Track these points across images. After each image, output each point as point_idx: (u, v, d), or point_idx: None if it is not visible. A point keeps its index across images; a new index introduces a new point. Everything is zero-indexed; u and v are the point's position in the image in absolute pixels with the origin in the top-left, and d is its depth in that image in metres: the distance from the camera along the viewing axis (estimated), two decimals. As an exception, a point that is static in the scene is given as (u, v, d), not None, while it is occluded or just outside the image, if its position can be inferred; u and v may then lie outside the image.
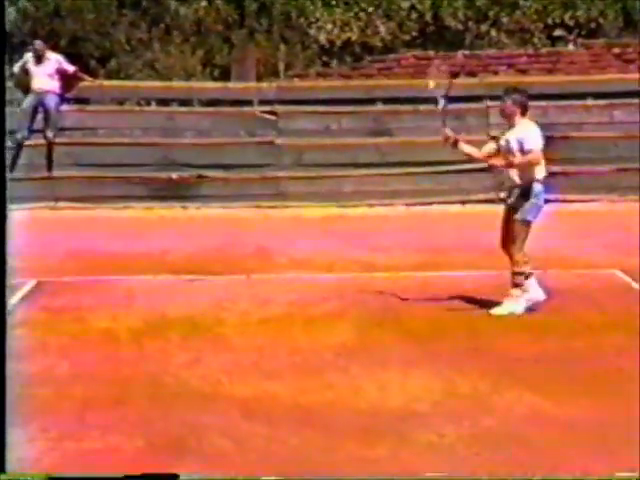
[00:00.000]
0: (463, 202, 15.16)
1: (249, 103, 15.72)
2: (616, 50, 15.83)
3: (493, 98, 15.56)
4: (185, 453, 5.75)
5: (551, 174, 15.12)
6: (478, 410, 6.46)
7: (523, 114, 8.77)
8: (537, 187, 8.74)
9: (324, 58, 16.04)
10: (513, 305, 8.77)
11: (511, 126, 8.79)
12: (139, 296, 9.75)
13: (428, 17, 15.99)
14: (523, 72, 15.84)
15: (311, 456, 5.71)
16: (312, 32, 15.88)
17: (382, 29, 15.92)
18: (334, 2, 16.31)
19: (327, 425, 6.22)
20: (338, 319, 8.77)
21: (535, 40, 15.97)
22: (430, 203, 15.09)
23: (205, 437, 6.00)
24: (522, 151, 8.65)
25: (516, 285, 8.76)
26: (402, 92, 15.53)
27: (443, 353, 7.70)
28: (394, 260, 11.35)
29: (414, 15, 15.99)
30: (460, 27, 15.99)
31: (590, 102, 15.41)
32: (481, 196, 15.27)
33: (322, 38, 15.91)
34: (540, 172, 8.80)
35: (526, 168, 8.73)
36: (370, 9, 16.13)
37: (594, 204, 14.78)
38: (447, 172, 15.40)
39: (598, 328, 8.38)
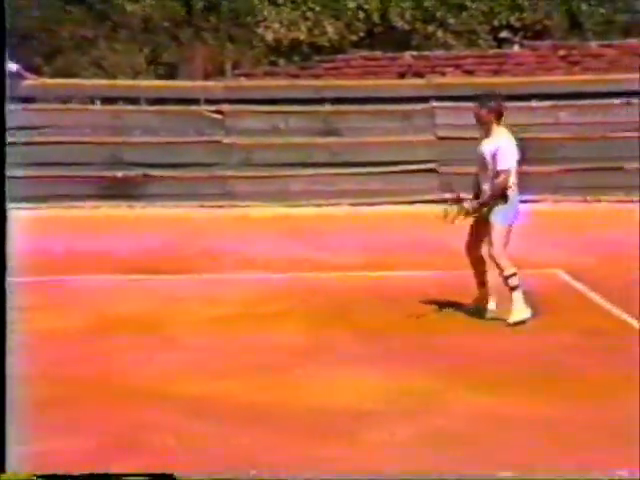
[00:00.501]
0: (411, 202, 15.22)
1: (196, 102, 15.65)
2: (561, 52, 15.98)
3: (440, 99, 15.70)
4: (134, 452, 5.70)
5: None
6: (430, 409, 6.48)
7: (498, 121, 8.53)
8: (511, 193, 8.53)
9: (272, 57, 16.01)
10: (522, 310, 8.51)
11: (487, 134, 8.56)
12: (86, 296, 9.66)
13: (376, 18, 16.03)
14: (470, 73, 15.94)
15: (262, 455, 5.69)
16: (260, 31, 15.85)
17: (330, 29, 15.93)
18: (282, 1, 16.30)
19: (278, 424, 6.20)
20: (288, 318, 8.77)
21: (482, 41, 16.08)
22: (378, 203, 15.14)
23: (155, 436, 5.96)
24: (495, 166, 8.43)
25: (513, 288, 8.54)
26: (350, 92, 15.57)
27: (395, 352, 7.72)
28: (343, 260, 11.37)
29: (361, 15, 16.02)
30: (407, 28, 16.04)
31: (536, 103, 15.54)
32: (429, 196, 15.34)
33: (270, 37, 15.88)
34: (513, 179, 8.57)
35: (497, 184, 8.48)
36: (318, 9, 16.13)
37: (540, 204, 14.90)
38: (395, 172, 15.46)
39: (543, 327, 8.46)
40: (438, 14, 16.11)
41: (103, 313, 8.94)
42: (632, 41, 15.99)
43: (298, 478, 5.33)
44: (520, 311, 8.49)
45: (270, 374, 7.17)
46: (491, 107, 8.49)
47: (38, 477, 4.94)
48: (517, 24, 16.19)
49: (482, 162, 8.57)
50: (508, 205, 8.46)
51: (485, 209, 8.52)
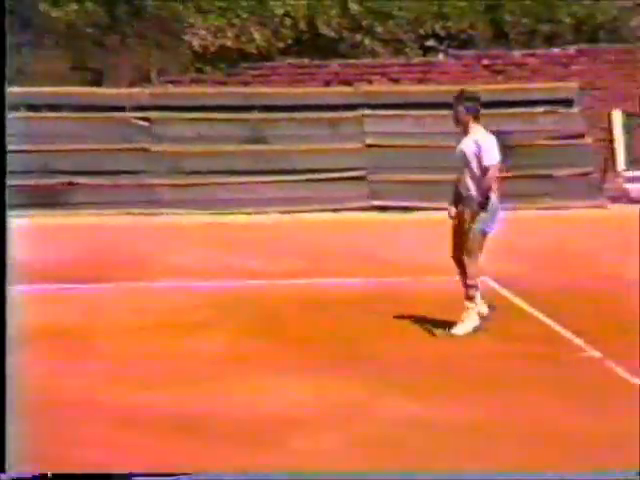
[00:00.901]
0: (340, 210, 15.25)
1: (122, 109, 15.51)
2: (485, 61, 16.15)
3: (367, 106, 15.75)
4: (57, 464, 5.61)
5: (422, 182, 15.52)
6: (358, 416, 6.48)
7: (476, 119, 8.47)
8: (493, 197, 8.47)
9: (198, 64, 15.92)
10: (471, 321, 8.47)
11: (465, 133, 8.49)
12: (8, 305, 9.48)
13: (303, 25, 16.02)
14: (396, 81, 16.03)
15: (190, 465, 5.63)
16: (186, 38, 15.76)
17: (257, 36, 15.89)
18: (208, 8, 16.21)
19: (204, 433, 6.16)
20: (216, 327, 8.71)
21: (408, 50, 16.17)
22: (307, 211, 15.13)
23: (78, 447, 5.87)
24: (480, 163, 8.37)
25: (470, 298, 8.51)
26: (278, 100, 15.55)
27: (321, 360, 7.72)
28: (272, 268, 11.33)
29: (289, 22, 16.01)
30: (334, 35, 16.07)
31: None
32: (358, 204, 15.39)
33: (196, 44, 15.79)
34: (492, 185, 8.51)
35: (485, 181, 8.40)
36: (245, 15, 16.09)
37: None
38: (322, 180, 15.47)
39: (469, 334, 8.51)
40: (365, 22, 16.16)
41: (26, 322, 8.79)
42: (555, 50, 16.21)
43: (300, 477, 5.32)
44: (468, 324, 8.43)
45: (198, 383, 7.12)
46: (469, 107, 8.43)
47: (38, 477, 4.91)
48: (442, 33, 16.31)
49: (465, 161, 8.47)
50: (489, 210, 8.41)
51: (469, 214, 8.45)
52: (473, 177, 8.48)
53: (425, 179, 15.47)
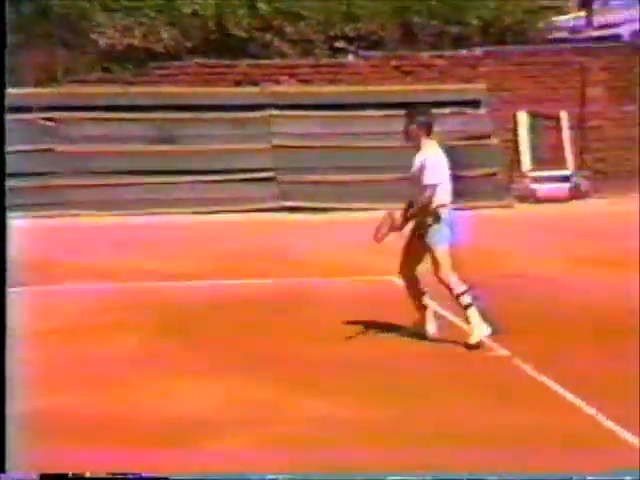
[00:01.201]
0: (249, 210, 15.19)
1: (28, 109, 15.23)
2: (394, 62, 16.25)
3: (276, 107, 15.73)
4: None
5: (332, 183, 15.57)
6: (269, 416, 6.46)
7: (428, 135, 8.27)
8: (443, 212, 8.20)
9: (105, 64, 15.72)
10: (480, 328, 8.16)
11: (417, 148, 8.28)
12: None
13: (212, 25, 15.93)
14: (306, 82, 16.04)
15: (103, 467, 5.54)
16: (93, 37, 15.54)
17: (165, 35, 15.75)
18: (116, 7, 16.02)
19: (117, 436, 6.07)
20: (124, 329, 8.60)
21: (317, 51, 16.18)
22: (216, 211, 15.05)
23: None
24: (422, 180, 8.16)
25: (467, 307, 8.18)
26: (186, 100, 15.44)
27: (234, 360, 7.67)
28: (180, 268, 11.25)
29: (197, 22, 15.90)
30: (244, 35, 16.01)
31: (370, 112, 15.74)
32: (267, 204, 15.36)
33: (103, 43, 15.58)
34: (445, 197, 8.26)
35: (429, 201, 8.15)
36: (153, 14, 15.93)
37: (375, 212, 15.07)
38: (232, 180, 15.41)
39: (378, 334, 8.54)
40: (274, 23, 16.14)
41: None
42: (462, 52, 16.38)
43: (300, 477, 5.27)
44: (478, 328, 8.15)
45: (107, 386, 7.02)
46: (420, 122, 8.24)
47: (38, 477, 4.85)
48: (352, 34, 16.36)
49: (415, 177, 8.28)
50: (442, 224, 8.17)
51: (422, 230, 8.23)
52: (419, 195, 8.28)
53: (335, 180, 15.52)
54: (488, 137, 15.95)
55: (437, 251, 8.18)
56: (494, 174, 15.80)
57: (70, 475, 5.11)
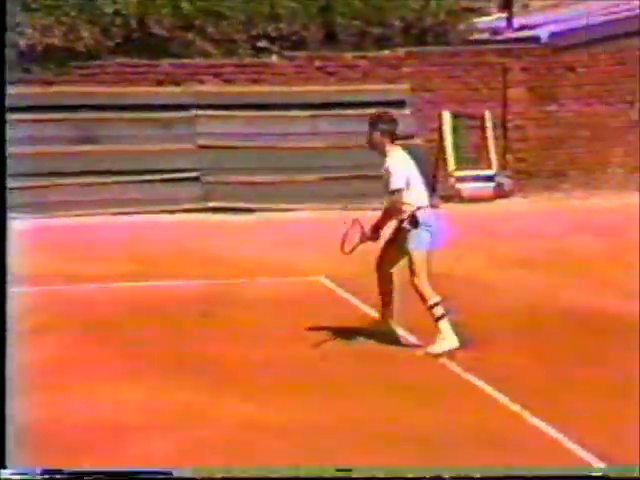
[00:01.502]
0: (173, 211, 15.06)
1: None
2: (318, 62, 16.24)
3: (200, 107, 15.61)
4: None
5: (257, 184, 15.51)
6: (192, 421, 6.39)
7: (392, 142, 8.19)
8: (421, 215, 8.10)
9: (25, 64, 15.45)
10: (450, 340, 8.05)
11: (383, 155, 8.21)
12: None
13: (133, 23, 15.75)
14: (229, 82, 15.95)
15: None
16: (12, 37, 15.27)
17: (85, 34, 15.53)
18: (35, 6, 15.75)
19: (38, 441, 5.95)
20: (46, 332, 8.46)
21: (240, 50, 16.10)
22: (140, 212, 14.88)
23: None
24: (389, 185, 8.10)
25: (438, 318, 8.08)
26: (108, 100, 15.25)
27: (156, 365, 7.58)
28: (103, 270, 11.09)
29: (119, 21, 15.70)
30: (166, 35, 15.86)
31: (295, 112, 15.71)
32: (192, 205, 15.24)
33: (22, 43, 15.32)
34: (420, 200, 8.17)
35: (396, 207, 8.12)
36: (74, 13, 15.70)
37: (301, 213, 15.06)
38: (156, 181, 15.26)
39: (303, 334, 8.51)
40: (197, 22, 16.01)
41: None
42: (385, 52, 16.43)
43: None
44: (449, 341, 8.04)
45: (29, 391, 6.88)
46: (383, 129, 8.14)
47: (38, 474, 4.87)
48: (275, 34, 16.30)
49: (384, 184, 8.24)
50: (420, 229, 8.07)
51: (400, 235, 8.14)
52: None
53: (260, 180, 15.45)
54: (412, 137, 16.01)
55: (414, 257, 8.06)
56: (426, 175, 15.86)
57: (70, 470, 5.08)
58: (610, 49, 16.67)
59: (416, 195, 8.17)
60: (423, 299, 8.12)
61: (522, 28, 17.82)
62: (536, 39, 16.80)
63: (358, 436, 6.15)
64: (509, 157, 16.55)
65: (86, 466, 5.59)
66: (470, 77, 16.51)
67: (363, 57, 16.40)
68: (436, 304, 8.12)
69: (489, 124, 16.31)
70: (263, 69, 16.04)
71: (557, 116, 16.66)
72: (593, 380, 7.29)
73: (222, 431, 6.21)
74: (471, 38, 17.40)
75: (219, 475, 5.27)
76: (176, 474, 5.05)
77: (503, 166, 16.36)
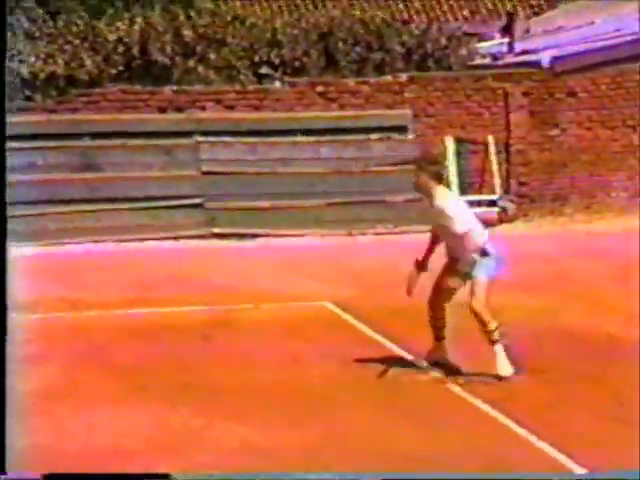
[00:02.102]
0: (177, 238, 15.06)
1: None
2: (319, 88, 16.28)
3: (202, 134, 15.64)
4: None
5: (260, 209, 15.52)
6: (191, 445, 6.36)
7: (439, 183, 8.06)
8: (488, 247, 8.04)
9: (27, 92, 15.50)
10: (504, 367, 8.00)
11: (429, 198, 8.04)
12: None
13: (135, 51, 15.80)
14: (231, 108, 15.98)
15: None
16: (14, 65, 15.33)
17: (88, 62, 15.58)
18: (37, 34, 15.82)
19: (39, 467, 5.92)
20: (43, 360, 8.43)
21: (242, 77, 16.14)
22: (143, 239, 14.88)
23: None
24: (454, 229, 7.92)
25: (494, 342, 8.05)
26: (111, 127, 15.28)
27: (153, 389, 7.55)
28: (103, 297, 11.08)
29: (121, 48, 15.76)
30: (167, 62, 15.91)
31: (298, 138, 15.74)
32: (194, 232, 15.23)
33: (25, 71, 15.37)
34: (483, 233, 8.12)
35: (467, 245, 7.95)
36: (76, 42, 15.77)
37: (304, 238, 15.06)
38: (158, 207, 15.26)
39: (307, 359, 8.49)
40: (198, 48, 16.07)
41: None
42: (386, 78, 16.47)
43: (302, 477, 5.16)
44: (503, 367, 8.03)
45: (23, 420, 6.85)
46: (432, 171, 8.04)
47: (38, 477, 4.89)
48: (276, 60, 16.35)
49: (439, 226, 8.10)
50: (489, 258, 8.00)
51: (464, 264, 8.00)
52: (453, 238, 8.06)
53: (262, 206, 15.46)
54: (414, 163, 16.04)
55: (478, 282, 7.96)
56: (421, 199, 15.86)
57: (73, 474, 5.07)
58: (611, 73, 16.70)
59: (478, 229, 8.09)
60: (482, 323, 8.05)
61: (523, 53, 17.87)
62: (537, 64, 16.82)
63: (359, 456, 6.12)
64: (512, 181, 16.55)
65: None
66: (471, 102, 16.54)
67: (364, 83, 16.44)
68: (494, 329, 8.06)
69: (492, 149, 16.32)
70: (264, 95, 16.08)
71: (559, 140, 16.67)
72: (592, 400, 7.27)
73: (221, 454, 6.18)
74: (472, 63, 17.44)
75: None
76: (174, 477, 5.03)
77: (506, 190, 16.35)
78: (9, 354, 8.54)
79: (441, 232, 8.16)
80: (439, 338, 8.36)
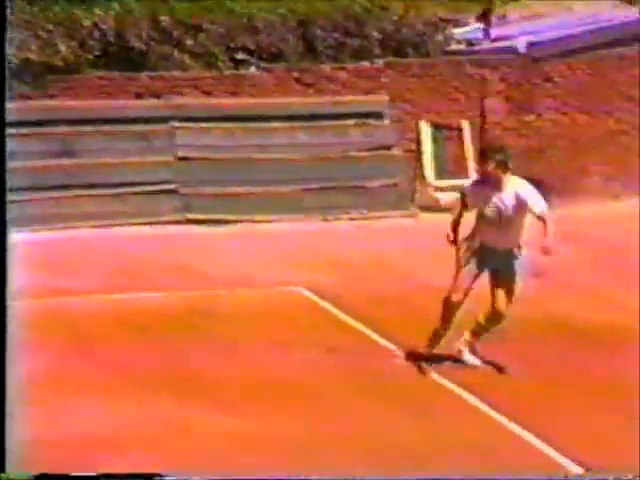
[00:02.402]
0: (152, 223, 15.02)
1: None
2: (296, 74, 16.25)
3: (179, 119, 15.59)
4: None
5: (236, 195, 15.49)
6: (176, 433, 6.37)
7: (506, 172, 7.97)
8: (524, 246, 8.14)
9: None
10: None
11: (497, 188, 7.94)
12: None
13: (111, 37, 15.71)
14: (208, 94, 15.93)
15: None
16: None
17: (63, 48, 15.48)
18: (11, 19, 15.69)
19: (32, 458, 5.92)
20: (29, 347, 8.39)
21: (219, 63, 16.08)
22: (120, 225, 14.83)
23: None
24: (534, 211, 7.84)
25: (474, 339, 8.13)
26: (86, 113, 15.21)
27: (139, 378, 7.55)
28: (85, 283, 11.05)
29: (97, 34, 15.66)
30: (144, 48, 15.83)
31: (275, 124, 15.71)
32: (169, 217, 15.20)
33: (-3, 58, 15.25)
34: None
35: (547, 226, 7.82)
36: (50, 27, 15.66)
37: (279, 224, 15.05)
38: (135, 193, 15.21)
39: (288, 345, 8.50)
40: (175, 34, 16.00)
41: None
42: (364, 64, 16.46)
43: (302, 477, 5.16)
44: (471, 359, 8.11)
45: (13, 407, 6.84)
46: (498, 159, 7.93)
47: (38, 477, 4.89)
48: (253, 46, 16.30)
49: (501, 218, 7.96)
50: (524, 258, 8.03)
51: (499, 259, 7.94)
52: (513, 227, 8.00)
53: (238, 192, 15.43)
54: (389, 148, 16.06)
55: (517, 284, 7.93)
56: (398, 184, 15.91)
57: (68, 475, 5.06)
58: (588, 59, 16.76)
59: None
60: (496, 324, 8.03)
61: (499, 39, 17.89)
62: (513, 50, 16.86)
63: (343, 446, 6.14)
64: (488, 167, 16.57)
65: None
66: (448, 87, 16.56)
67: (342, 69, 16.42)
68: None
69: (467, 134, 16.36)
70: (241, 81, 16.04)
71: (535, 126, 16.72)
72: (578, 389, 7.32)
73: (205, 443, 6.19)
74: (449, 49, 17.45)
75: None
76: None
77: (482, 176, 16.37)
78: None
79: (494, 226, 7.92)
80: (444, 329, 8.18)
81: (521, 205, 7.91)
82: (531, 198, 7.92)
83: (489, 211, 7.99)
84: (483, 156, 8.11)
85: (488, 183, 7.99)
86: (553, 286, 10.59)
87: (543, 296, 10.23)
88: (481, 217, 8.08)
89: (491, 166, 7.93)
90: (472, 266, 8.06)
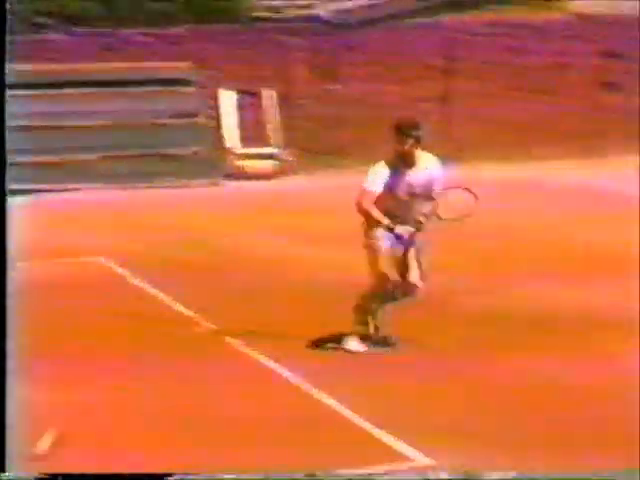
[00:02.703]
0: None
1: None
2: (99, 39, 15.91)
3: None
4: None
5: (33, 164, 14.94)
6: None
7: (418, 147, 7.63)
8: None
9: None
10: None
11: (410, 164, 7.60)
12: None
13: None
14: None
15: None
16: None
17: None
18: None
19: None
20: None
21: (19, 26, 15.54)
22: None
23: None
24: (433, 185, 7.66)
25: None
26: None
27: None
28: None
29: None
30: None
31: (73, 90, 15.32)
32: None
33: None
34: None
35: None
36: None
37: (79, 193, 14.61)
38: None
39: (87, 314, 8.34)
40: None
41: None
42: (168, 29, 16.25)
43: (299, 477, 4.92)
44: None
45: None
46: (417, 136, 7.55)
47: (38, 477, 4.89)
48: (55, 10, 15.83)
49: (411, 190, 7.66)
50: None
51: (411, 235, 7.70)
52: (426, 201, 7.74)
53: (35, 161, 14.92)
54: (195, 115, 15.94)
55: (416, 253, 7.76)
56: (198, 152, 15.77)
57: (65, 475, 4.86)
58: (391, 28, 17.03)
59: None
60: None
61: (305, 7, 17.98)
62: (318, 18, 16.98)
63: (147, 418, 6.07)
64: (293, 135, 16.68)
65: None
66: (253, 55, 16.54)
67: (146, 34, 16.18)
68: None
69: (267, 102, 16.38)
70: (41, 45, 15.56)
71: (340, 94, 16.90)
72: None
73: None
74: (255, 15, 17.42)
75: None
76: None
77: (286, 144, 16.46)
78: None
79: (409, 197, 7.73)
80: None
81: (430, 181, 7.74)
82: (439, 177, 7.80)
83: (400, 190, 7.72)
84: (399, 134, 7.60)
85: (402, 162, 7.66)
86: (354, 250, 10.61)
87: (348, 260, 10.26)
88: (391, 194, 7.76)
89: (409, 144, 7.59)
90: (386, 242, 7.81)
